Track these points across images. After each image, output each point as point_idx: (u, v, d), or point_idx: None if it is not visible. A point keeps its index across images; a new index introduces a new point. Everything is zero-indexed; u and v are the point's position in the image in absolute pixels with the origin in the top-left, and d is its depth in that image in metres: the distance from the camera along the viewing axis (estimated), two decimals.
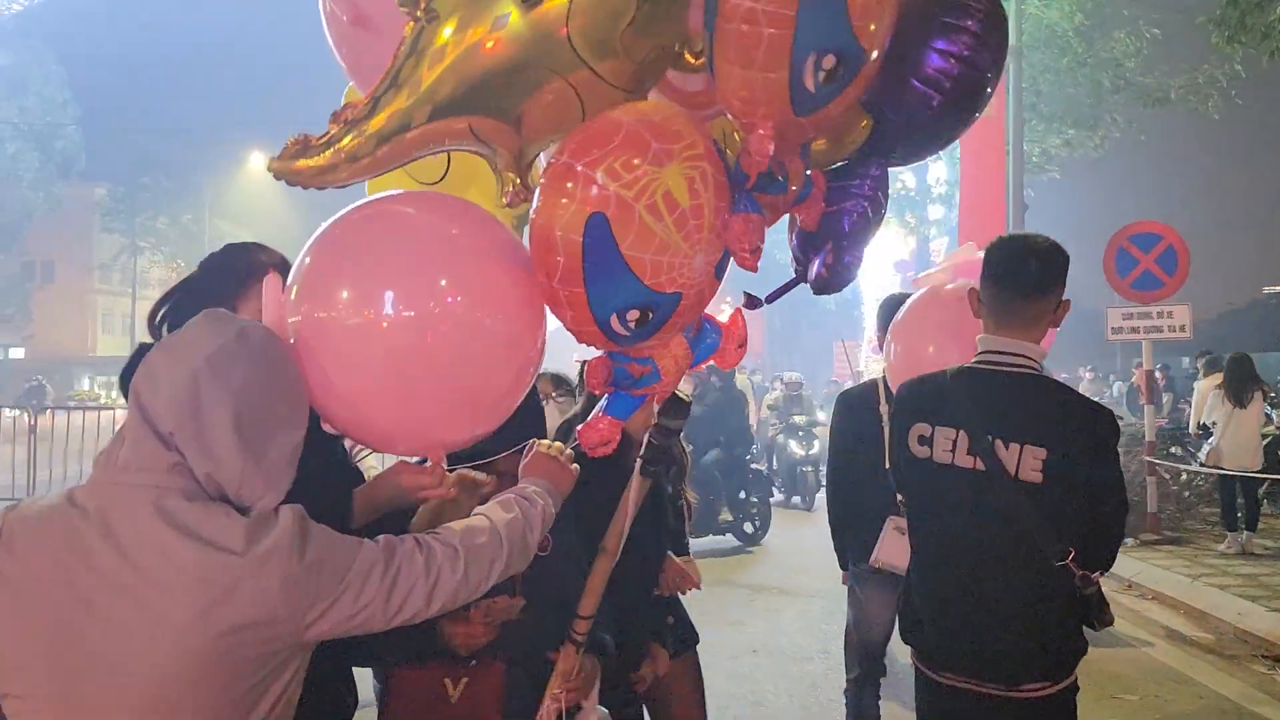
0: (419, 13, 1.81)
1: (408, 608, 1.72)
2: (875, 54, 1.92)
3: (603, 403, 2.26)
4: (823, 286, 2.48)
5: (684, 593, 3.48)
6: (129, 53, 37.56)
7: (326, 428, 2.02)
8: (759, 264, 2.03)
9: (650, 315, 1.92)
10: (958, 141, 13.39)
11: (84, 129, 38.99)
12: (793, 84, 1.83)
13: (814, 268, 2.45)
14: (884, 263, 25.32)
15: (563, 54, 1.82)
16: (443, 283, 1.87)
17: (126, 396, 1.85)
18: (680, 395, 2.40)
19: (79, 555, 1.53)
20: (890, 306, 4.22)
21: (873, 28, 1.86)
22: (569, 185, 1.81)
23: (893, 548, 4.03)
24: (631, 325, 1.92)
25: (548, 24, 1.80)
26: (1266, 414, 11.00)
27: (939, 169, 21.24)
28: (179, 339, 1.65)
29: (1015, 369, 2.62)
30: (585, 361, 2.39)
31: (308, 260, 1.90)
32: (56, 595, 1.53)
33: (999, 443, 2.54)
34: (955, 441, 2.60)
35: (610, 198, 1.78)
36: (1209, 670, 6.59)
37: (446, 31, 1.80)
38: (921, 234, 22.88)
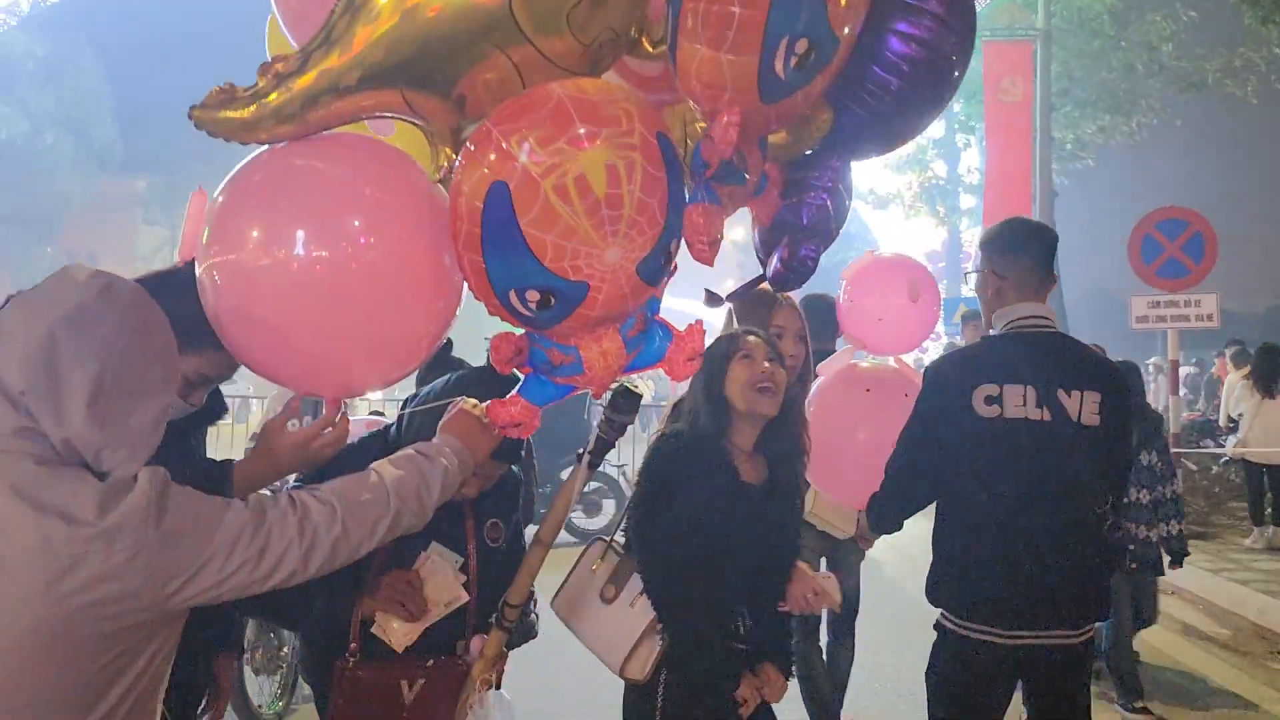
0: None
1: (281, 569, 1.65)
2: (845, 43, 1.84)
3: (519, 384, 2.16)
4: (781, 281, 2.45)
5: (818, 611, 3.09)
6: (167, 43, 37.99)
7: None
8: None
9: (552, 300, 1.82)
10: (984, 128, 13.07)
11: (121, 120, 39.45)
12: (762, 69, 1.75)
13: (772, 262, 2.40)
14: (915, 253, 25.08)
15: (505, 28, 1.73)
16: (355, 224, 1.81)
17: None
18: (630, 388, 2.33)
19: None
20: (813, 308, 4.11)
21: (848, 13, 1.80)
22: (482, 150, 1.74)
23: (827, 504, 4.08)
24: (532, 306, 1.83)
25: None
26: None
27: (971, 157, 20.94)
28: (37, 294, 1.56)
29: (1050, 329, 2.92)
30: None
31: (220, 200, 1.86)
32: None
33: (1061, 392, 2.79)
34: (1025, 396, 2.78)
35: (515, 169, 1.69)
36: (1223, 667, 6.41)
37: None
38: (953, 224, 22.61)
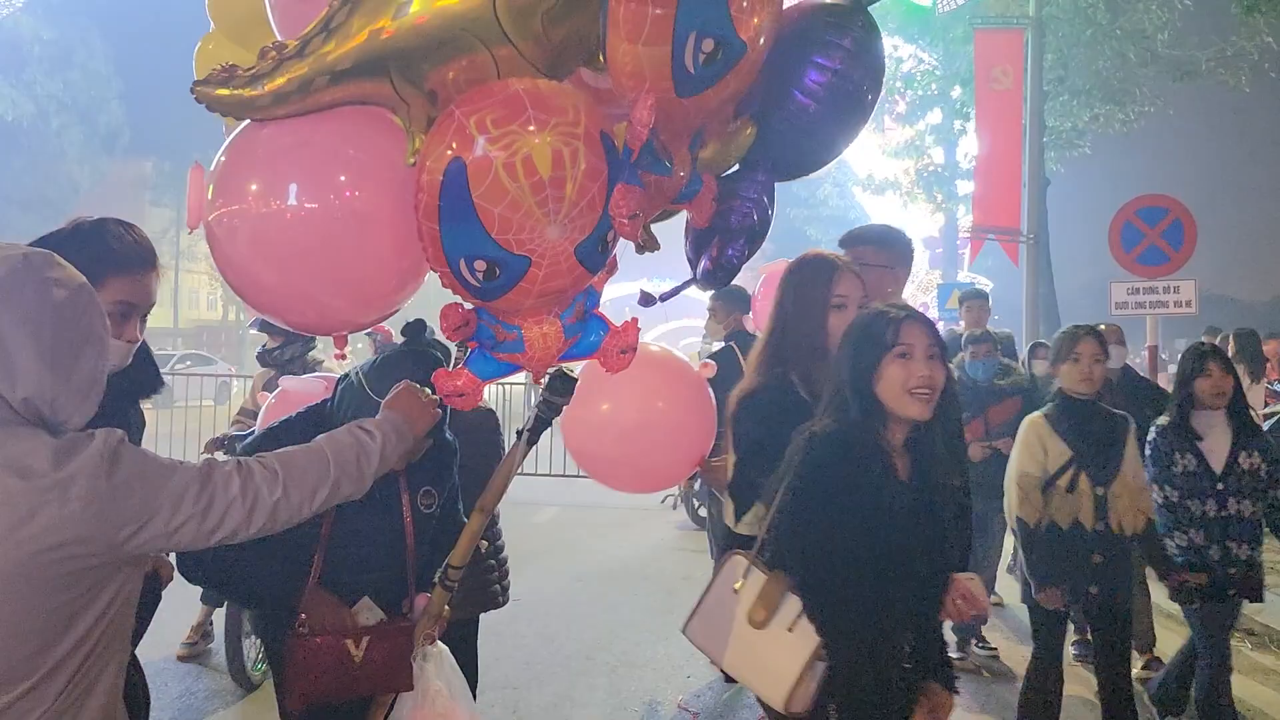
0: None
1: (225, 525, 1.81)
2: (753, 49, 2.06)
3: (466, 357, 2.38)
4: (709, 280, 2.63)
5: (968, 619, 2.80)
6: (173, 25, 38.03)
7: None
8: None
9: (497, 271, 2.01)
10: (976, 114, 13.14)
11: (129, 103, 39.61)
12: (674, 61, 1.97)
13: (701, 263, 2.59)
14: (913, 240, 25.21)
15: (491, 29, 1.93)
16: (341, 179, 2.03)
17: None
18: (567, 373, 2.56)
19: None
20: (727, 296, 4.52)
21: (753, 21, 2.02)
22: (446, 129, 1.93)
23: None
24: (480, 276, 2.02)
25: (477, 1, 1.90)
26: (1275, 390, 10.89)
27: (969, 143, 21.03)
28: None
29: None
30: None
31: (223, 159, 2.07)
32: None
33: None
34: None
35: (472, 147, 1.88)
36: None
37: None
38: (949, 210, 22.71)
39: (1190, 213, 10.34)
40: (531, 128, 1.88)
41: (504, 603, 3.99)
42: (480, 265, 2.00)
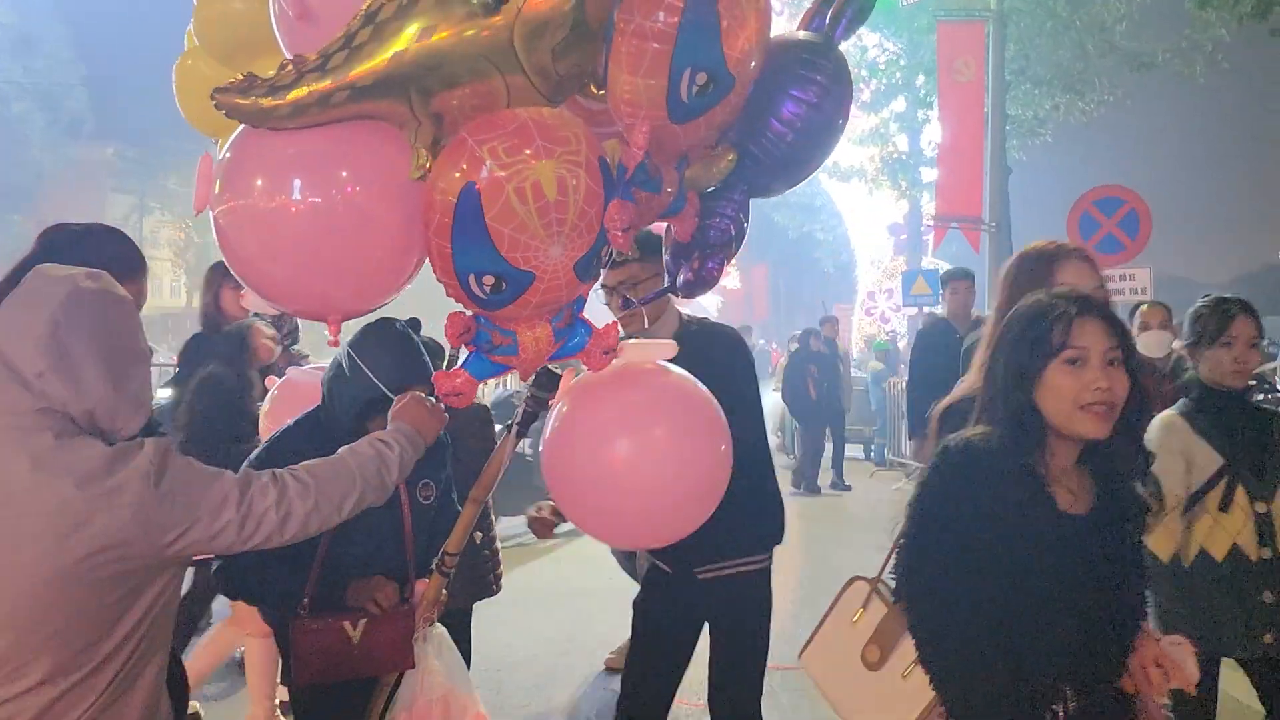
0: None
1: (260, 532, 1.95)
2: (741, 83, 2.27)
3: (463, 359, 2.57)
4: (689, 289, 2.79)
5: (1163, 694, 2.15)
6: (136, 11, 37.52)
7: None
8: None
9: (504, 285, 2.17)
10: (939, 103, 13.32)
11: (92, 89, 39.16)
12: (670, 91, 2.18)
13: (682, 273, 2.76)
14: (878, 226, 25.54)
15: (508, 58, 2.06)
16: (343, 174, 2.12)
17: None
18: (552, 369, 2.76)
19: None
20: None
21: (740, 59, 2.22)
22: (458, 156, 2.08)
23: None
24: (486, 289, 2.18)
25: (499, 30, 2.00)
26: None
27: (932, 131, 21.31)
28: (27, 293, 1.83)
29: None
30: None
31: (229, 155, 2.17)
32: None
33: None
34: None
35: (486, 173, 2.03)
36: None
37: (407, 16, 1.96)
38: (914, 197, 23.03)
39: (1145, 203, 10.67)
40: (540, 156, 2.04)
41: (497, 591, 4.20)
42: (488, 280, 2.17)
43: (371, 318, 2.78)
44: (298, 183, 2.06)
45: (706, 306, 53.47)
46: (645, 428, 2.54)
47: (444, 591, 2.96)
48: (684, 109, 2.23)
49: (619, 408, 2.58)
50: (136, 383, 1.90)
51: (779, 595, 5.23)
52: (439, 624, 2.95)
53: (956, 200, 14.73)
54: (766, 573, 3.30)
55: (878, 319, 25.47)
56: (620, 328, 2.77)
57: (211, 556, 2.62)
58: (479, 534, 4.08)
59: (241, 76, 1.96)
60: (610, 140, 2.36)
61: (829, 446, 13.55)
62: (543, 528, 3.14)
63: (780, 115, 2.48)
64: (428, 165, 2.12)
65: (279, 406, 3.78)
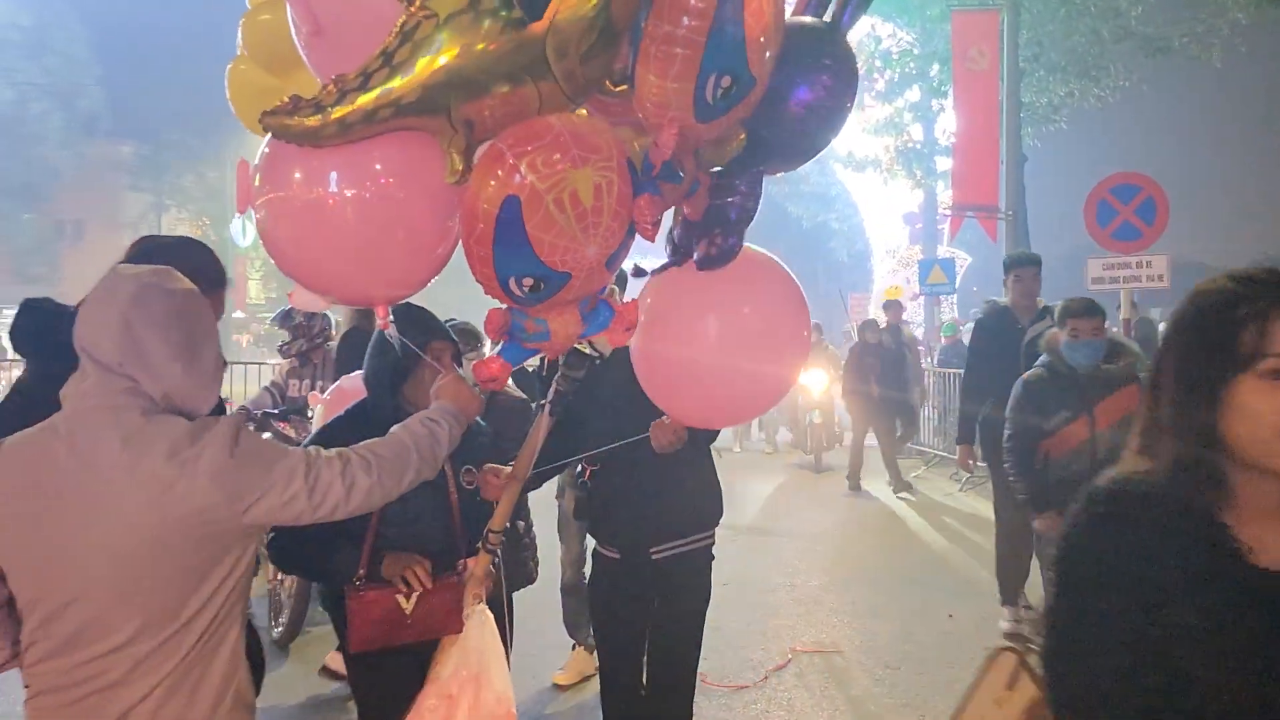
0: (415, 9, 2.07)
1: (328, 502, 2.09)
2: (760, 83, 2.37)
3: (499, 347, 2.70)
4: (710, 263, 2.85)
5: None
6: (152, 11, 37.73)
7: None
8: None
9: (542, 286, 2.30)
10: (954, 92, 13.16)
11: (108, 88, 39.38)
12: (697, 95, 2.27)
13: (701, 248, 2.83)
14: (893, 215, 25.54)
15: (540, 65, 2.16)
16: (376, 167, 2.22)
17: (16, 349, 2.41)
18: (580, 349, 2.90)
19: (47, 463, 1.91)
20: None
21: (762, 61, 2.33)
22: (497, 168, 2.17)
23: None
24: (525, 290, 2.31)
25: (533, 40, 2.12)
26: None
27: (947, 120, 21.32)
28: (100, 293, 2.00)
29: None
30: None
31: (267, 151, 2.28)
32: (34, 493, 1.91)
33: None
34: None
35: (526, 185, 2.13)
36: None
37: (443, 30, 2.06)
38: (929, 186, 23.03)
39: (1162, 190, 10.68)
40: (576, 166, 2.15)
41: (535, 579, 4.32)
42: (527, 282, 2.29)
43: None
44: (339, 178, 2.18)
45: None
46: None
47: (491, 568, 3.11)
48: (709, 110, 2.33)
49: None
50: (207, 365, 2.07)
51: (808, 580, 5.34)
52: (486, 608, 3.06)
53: (972, 189, 14.77)
54: (710, 551, 3.62)
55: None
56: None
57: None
58: (520, 522, 4.20)
59: (286, 99, 2.06)
60: (623, 128, 2.47)
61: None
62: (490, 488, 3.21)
63: (792, 100, 2.57)
64: (461, 169, 2.21)
65: (334, 412, 3.90)
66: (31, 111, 37.24)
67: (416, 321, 3.08)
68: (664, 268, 3.18)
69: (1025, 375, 5.15)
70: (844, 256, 37.09)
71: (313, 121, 2.06)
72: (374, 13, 2.16)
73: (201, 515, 1.93)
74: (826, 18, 2.60)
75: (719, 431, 3.65)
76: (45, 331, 2.51)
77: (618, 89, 2.45)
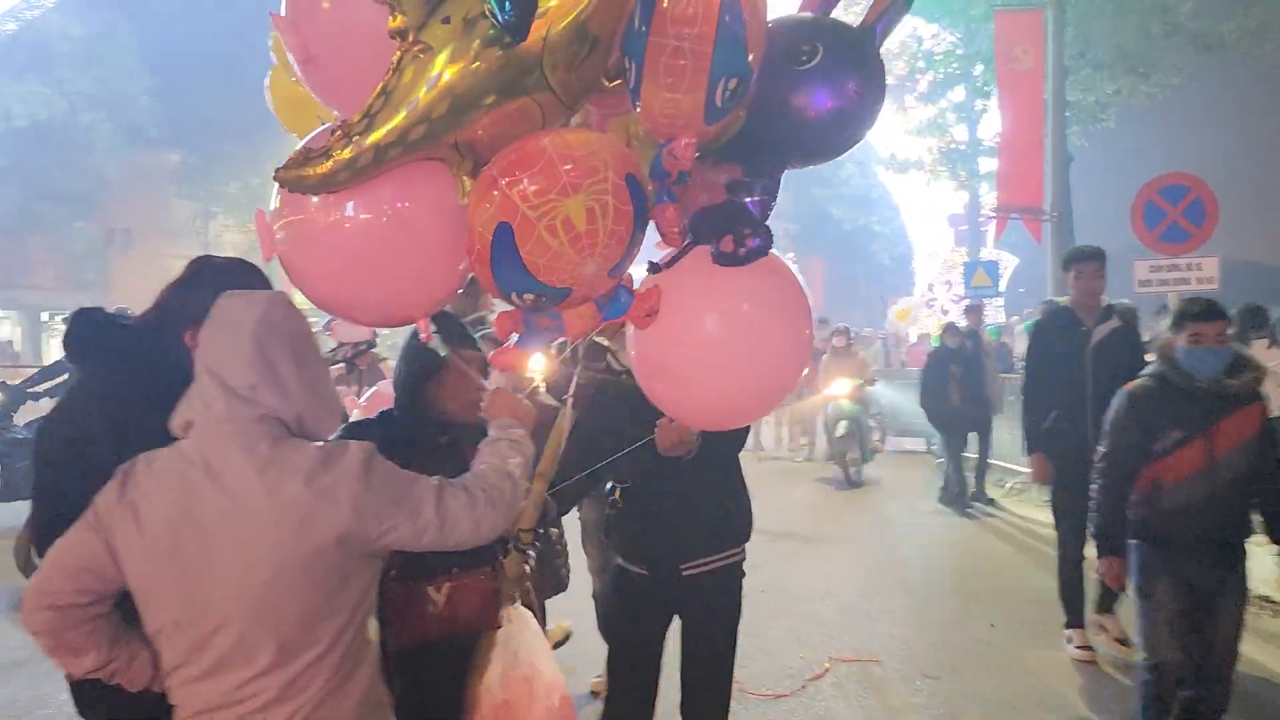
0: (409, 43, 2.10)
1: (458, 532, 2.10)
2: (755, 72, 2.37)
3: (514, 338, 2.67)
4: (731, 260, 2.70)
5: None
6: (202, 22, 38.34)
7: None
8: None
9: (543, 299, 2.33)
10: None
11: (157, 98, 40.02)
12: (708, 103, 2.29)
13: (728, 244, 2.68)
14: (937, 217, 25.32)
15: (538, 81, 2.19)
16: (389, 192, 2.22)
17: (68, 356, 2.42)
18: (599, 342, 2.87)
19: (188, 489, 1.93)
20: None
21: (758, 55, 2.34)
22: (491, 194, 2.19)
23: None
24: (528, 303, 2.36)
25: (527, 58, 2.14)
26: None
27: (991, 121, 21.08)
28: (226, 314, 2.03)
29: None
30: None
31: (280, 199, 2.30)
32: (174, 519, 1.93)
33: None
34: None
35: (517, 213, 2.15)
36: None
37: (440, 61, 2.10)
38: (973, 188, 22.78)
39: (1211, 190, 10.45)
40: (567, 194, 2.15)
41: (566, 587, 4.29)
42: (529, 297, 2.32)
43: None
44: (351, 203, 2.21)
45: None
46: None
47: (526, 567, 3.09)
48: (718, 112, 2.34)
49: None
50: (327, 388, 2.12)
51: (847, 588, 5.27)
52: (525, 609, 3.04)
53: (1017, 190, 14.56)
54: (741, 566, 3.54)
55: (937, 311, 25.20)
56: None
57: None
58: (554, 530, 4.17)
59: (298, 151, 2.09)
60: (620, 118, 2.53)
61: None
62: None
63: (792, 97, 2.51)
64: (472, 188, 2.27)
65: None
66: (82, 121, 37.89)
67: (444, 328, 3.07)
68: (678, 257, 3.11)
69: (1130, 386, 4.29)
70: (886, 260, 36.76)
71: (324, 168, 2.09)
72: (362, 40, 2.21)
73: (340, 542, 1.96)
74: (858, 23, 2.55)
75: (744, 442, 3.59)
76: (96, 339, 2.56)
77: (613, 83, 2.47)
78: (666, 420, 2.97)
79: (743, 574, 3.56)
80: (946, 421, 11.56)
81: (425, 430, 3.07)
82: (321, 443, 2.04)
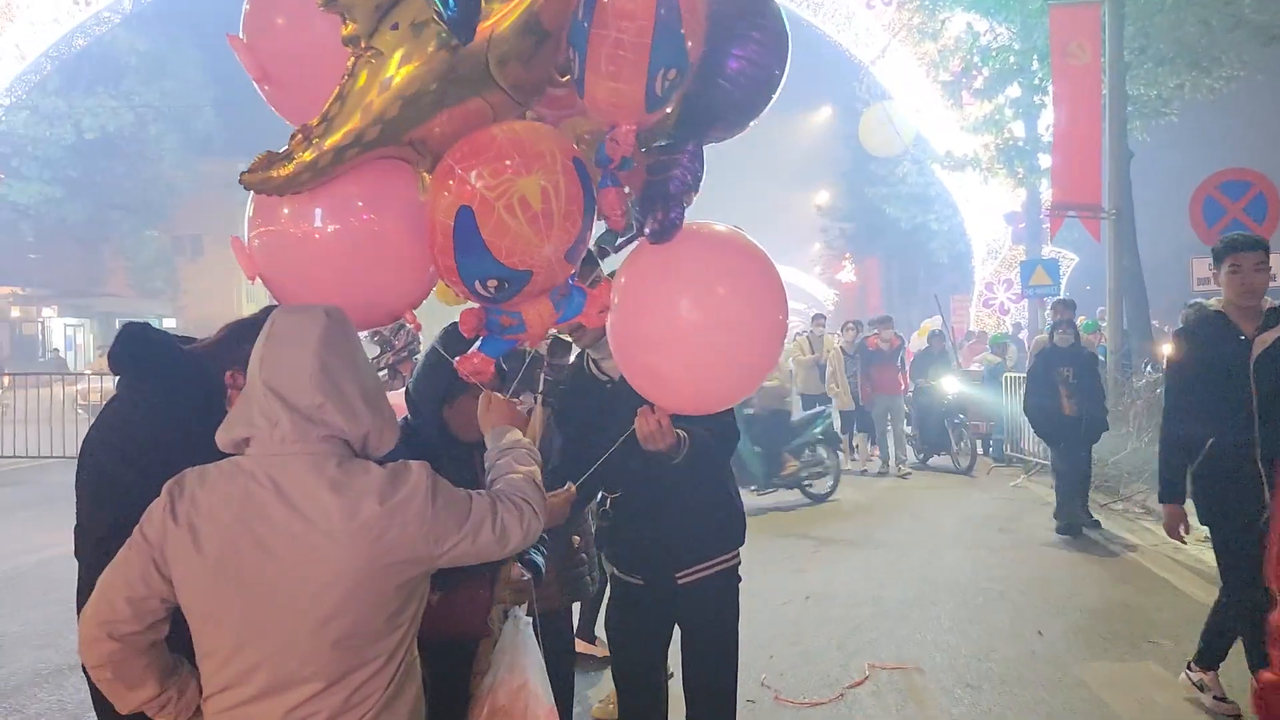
0: (362, 49, 2.22)
1: (512, 542, 2.16)
2: (694, 65, 2.51)
3: (478, 343, 2.79)
4: (657, 237, 2.82)
5: None
6: None
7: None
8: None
9: (506, 285, 2.41)
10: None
11: (221, 108, 40.99)
12: (647, 92, 2.42)
13: (649, 224, 2.80)
14: (994, 215, 24.85)
15: (486, 81, 2.30)
16: (358, 204, 2.36)
17: (112, 368, 2.43)
18: (562, 338, 2.95)
19: (255, 509, 1.93)
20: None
21: (696, 46, 2.47)
22: (449, 182, 2.30)
23: None
24: (491, 290, 2.43)
25: (473, 57, 2.25)
26: None
27: (1049, 117, 20.68)
28: (285, 330, 2.04)
29: None
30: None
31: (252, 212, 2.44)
32: (238, 540, 1.92)
33: None
34: None
35: (476, 195, 2.26)
36: None
37: (391, 65, 2.21)
38: (1031, 184, 22.35)
39: (1274, 185, 10.18)
40: (520, 174, 2.27)
41: (593, 592, 4.32)
42: (492, 283, 2.42)
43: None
44: (319, 210, 2.35)
45: (821, 300, 52.82)
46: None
47: (523, 575, 3.14)
48: (658, 101, 2.48)
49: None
50: (386, 402, 2.13)
51: (894, 594, 5.22)
52: (525, 617, 3.06)
53: (1074, 187, 14.27)
54: (737, 570, 3.54)
55: (996, 310, 24.76)
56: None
57: None
58: (577, 537, 4.20)
59: (261, 156, 2.18)
60: (570, 120, 2.63)
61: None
62: None
63: (723, 73, 2.64)
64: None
65: None
66: (150, 133, 39.01)
67: (451, 345, 3.08)
68: (628, 241, 3.17)
69: None
70: (944, 258, 36.25)
71: (288, 170, 2.19)
72: (315, 59, 2.34)
73: (408, 561, 2.00)
74: None
75: (734, 447, 3.59)
76: (139, 354, 2.61)
77: (564, 80, 2.55)
78: (647, 408, 3.00)
79: (739, 579, 3.55)
80: (1058, 435, 9.99)
81: (444, 441, 3.11)
82: (379, 461, 2.06)
